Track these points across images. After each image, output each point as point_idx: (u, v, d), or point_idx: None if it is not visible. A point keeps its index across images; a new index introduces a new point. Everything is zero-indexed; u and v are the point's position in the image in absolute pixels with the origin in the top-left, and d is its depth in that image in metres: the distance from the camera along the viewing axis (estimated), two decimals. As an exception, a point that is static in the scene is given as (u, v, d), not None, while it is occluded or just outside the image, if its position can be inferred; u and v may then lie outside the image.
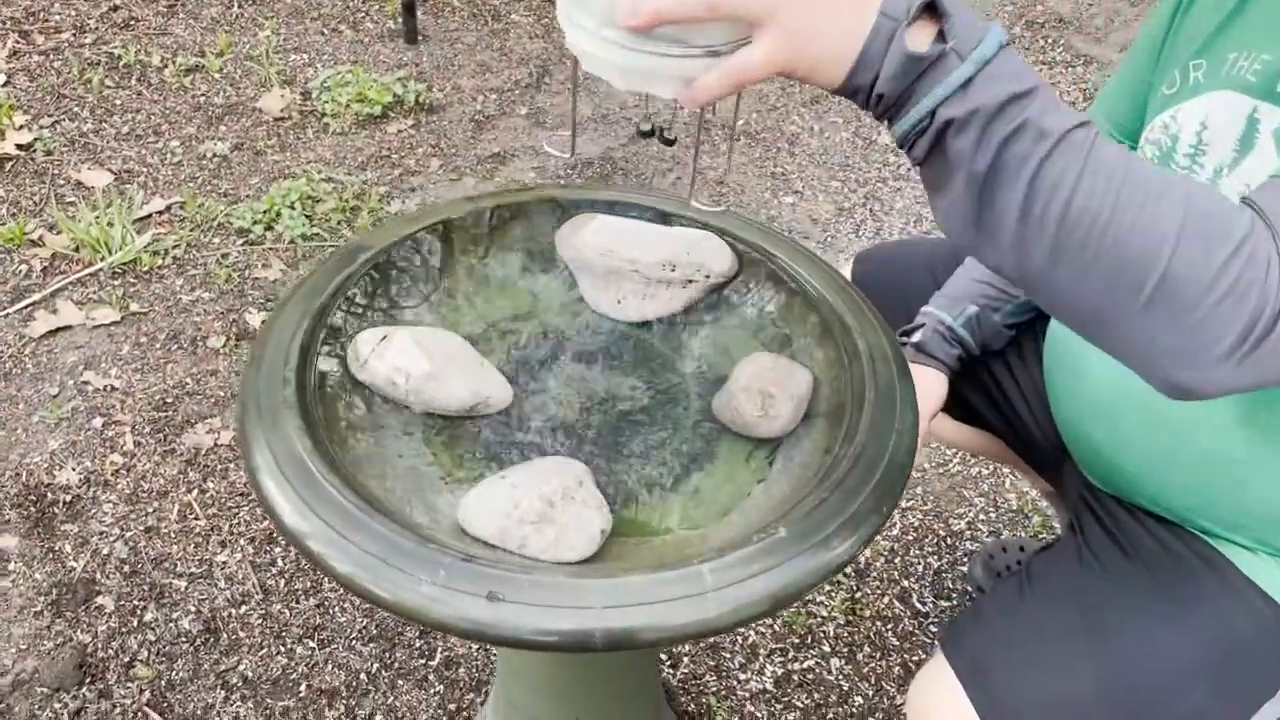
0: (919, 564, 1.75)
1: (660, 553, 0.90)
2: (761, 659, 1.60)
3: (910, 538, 1.79)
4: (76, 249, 2.19)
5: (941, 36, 0.66)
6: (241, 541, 1.72)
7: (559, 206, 1.19)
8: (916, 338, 1.25)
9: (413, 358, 0.99)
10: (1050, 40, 3.04)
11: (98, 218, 2.22)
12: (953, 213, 0.69)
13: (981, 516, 1.83)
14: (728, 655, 1.60)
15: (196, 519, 1.75)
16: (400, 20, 2.92)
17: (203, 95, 2.67)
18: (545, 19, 3.05)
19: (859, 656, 1.61)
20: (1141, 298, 0.66)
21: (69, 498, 1.76)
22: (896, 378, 1.02)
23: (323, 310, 1.04)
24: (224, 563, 1.69)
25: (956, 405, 1.32)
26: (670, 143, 0.92)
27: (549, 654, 1.13)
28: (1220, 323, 0.65)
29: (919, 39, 0.66)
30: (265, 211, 2.29)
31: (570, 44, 0.74)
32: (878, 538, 1.78)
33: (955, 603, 1.70)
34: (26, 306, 2.06)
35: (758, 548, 0.85)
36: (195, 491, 1.79)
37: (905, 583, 1.72)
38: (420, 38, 2.90)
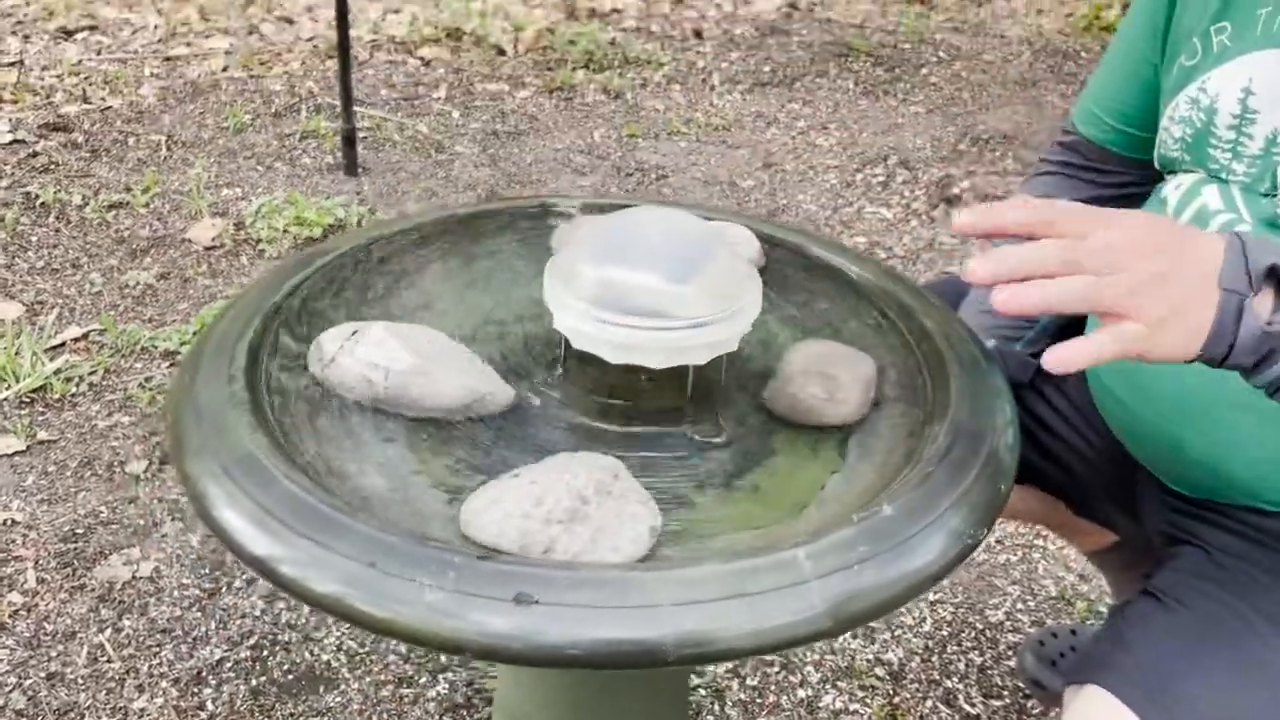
0: (959, 661, 1.53)
1: (733, 546, 0.70)
2: (796, 781, 1.34)
3: (944, 633, 1.57)
4: (-21, 379, 1.95)
5: None
6: (164, 684, 1.44)
7: (552, 213, 1.03)
8: None
9: (391, 352, 0.80)
10: (999, 153, 3.05)
11: (5, 348, 2.00)
12: None
13: (1019, 605, 1.62)
14: (756, 778, 1.35)
15: (109, 661, 1.46)
16: (339, 154, 2.81)
17: (127, 229, 2.50)
18: (490, 149, 2.97)
19: (908, 770, 1.36)
20: None
21: (-47, 646, 1.47)
22: (980, 355, 0.86)
23: (275, 310, 0.85)
24: (142, 709, 1.40)
25: None
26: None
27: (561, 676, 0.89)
28: None
29: (1264, 306, 0.69)
30: (195, 333, 2.09)
31: (559, 324, 0.80)
32: (909, 635, 1.57)
33: (1008, 701, 1.47)
34: (-84, 441, 1.80)
35: (860, 529, 0.66)
36: (109, 630, 1.51)
37: (948, 683, 1.50)
38: (361, 170, 2.80)
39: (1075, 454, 1.12)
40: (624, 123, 3.16)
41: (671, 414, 0.82)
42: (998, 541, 1.74)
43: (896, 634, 1.56)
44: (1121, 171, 1.10)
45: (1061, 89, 3.52)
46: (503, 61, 3.54)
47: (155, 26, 3.61)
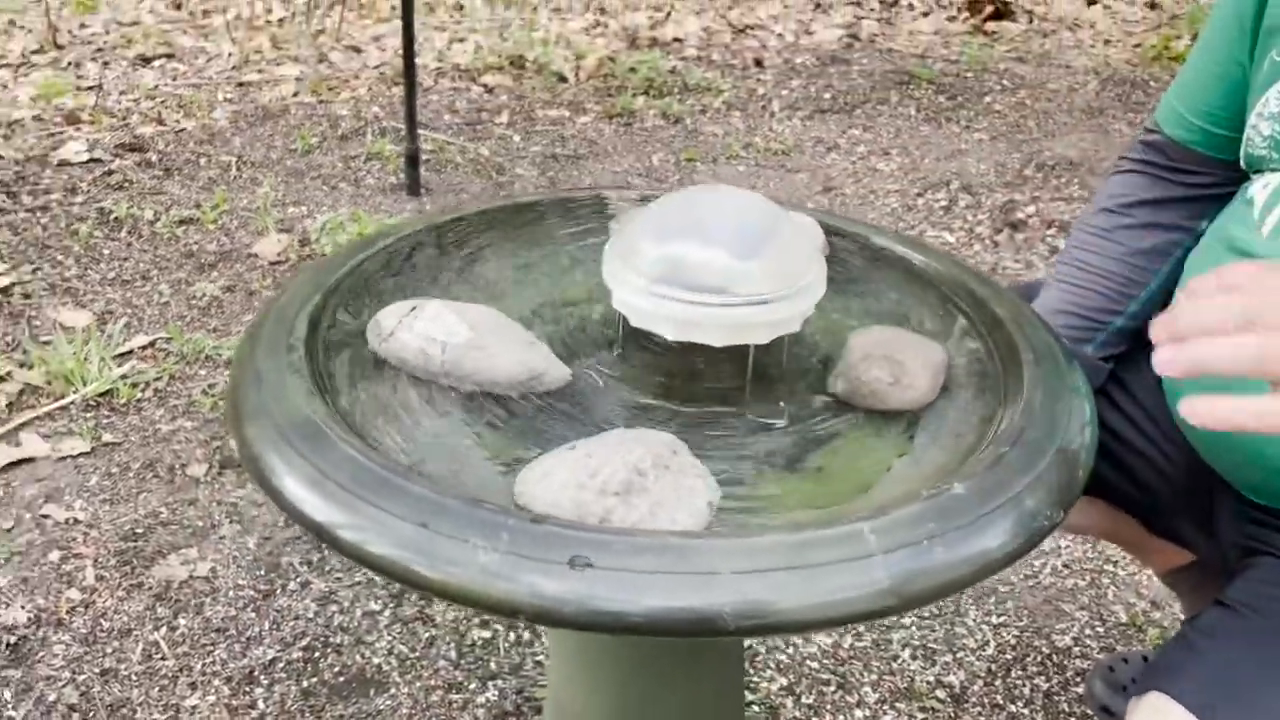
0: (1024, 686, 1.48)
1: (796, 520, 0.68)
2: (853, 802, 1.30)
3: (1009, 657, 1.52)
4: (49, 382, 1.99)
5: None
6: (216, 682, 1.44)
7: (606, 206, 1.02)
8: None
9: (449, 326, 0.79)
10: (1065, 180, 3.00)
11: (75, 353, 2.04)
12: None
13: (1088, 631, 1.57)
14: (812, 797, 1.30)
15: (164, 659, 1.47)
16: (402, 175, 2.85)
17: (195, 244, 2.55)
18: (549, 172, 2.99)
19: (971, 795, 1.31)
20: None
21: (13, 639, 1.48)
22: (1059, 349, 0.83)
23: (336, 287, 0.85)
24: (194, 707, 1.40)
25: None
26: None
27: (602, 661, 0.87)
28: None
29: None
30: (258, 342, 2.11)
31: (617, 302, 0.79)
32: (972, 658, 1.52)
33: (1076, 728, 1.42)
34: (-15, 442, 1.84)
35: (929, 505, 0.63)
36: (164, 629, 1.51)
37: (1012, 707, 1.44)
38: (423, 190, 2.83)
39: (1149, 465, 1.07)
40: (683, 147, 3.16)
41: (731, 396, 0.80)
42: (1065, 566, 1.68)
43: (959, 656, 1.51)
44: (1206, 172, 1.06)
45: (1130, 117, 3.46)
46: (564, 88, 3.57)
47: (229, 54, 3.70)
